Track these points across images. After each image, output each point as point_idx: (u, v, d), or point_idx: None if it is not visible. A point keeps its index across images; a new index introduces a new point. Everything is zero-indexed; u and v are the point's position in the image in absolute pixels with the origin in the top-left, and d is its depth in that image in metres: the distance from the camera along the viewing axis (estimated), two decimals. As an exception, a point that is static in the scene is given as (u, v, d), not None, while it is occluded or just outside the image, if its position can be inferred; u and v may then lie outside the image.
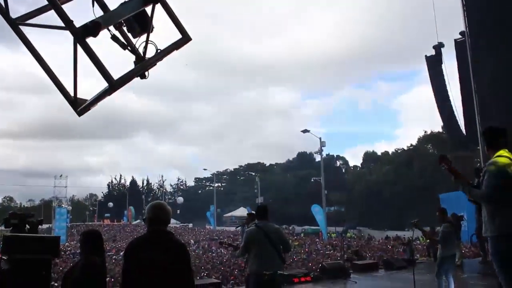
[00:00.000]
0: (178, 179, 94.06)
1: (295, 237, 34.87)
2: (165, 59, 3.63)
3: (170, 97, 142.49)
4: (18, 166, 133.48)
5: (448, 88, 20.11)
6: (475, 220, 16.54)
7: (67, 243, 35.74)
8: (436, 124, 57.71)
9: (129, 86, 3.48)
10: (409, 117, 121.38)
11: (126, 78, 3.38)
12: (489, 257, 12.99)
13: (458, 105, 18.60)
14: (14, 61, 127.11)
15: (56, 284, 14.27)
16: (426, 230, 8.88)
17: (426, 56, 21.39)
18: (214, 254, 24.10)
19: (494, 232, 3.83)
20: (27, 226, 4.91)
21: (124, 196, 79.86)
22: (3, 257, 4.75)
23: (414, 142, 58.86)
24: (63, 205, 58.12)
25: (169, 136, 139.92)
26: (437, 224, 8.41)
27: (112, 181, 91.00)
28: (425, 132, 57.05)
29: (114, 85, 3.26)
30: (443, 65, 20.85)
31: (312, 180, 40.37)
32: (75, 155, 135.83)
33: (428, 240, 17.71)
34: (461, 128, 19.09)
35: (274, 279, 5.70)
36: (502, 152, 3.96)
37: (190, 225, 62.24)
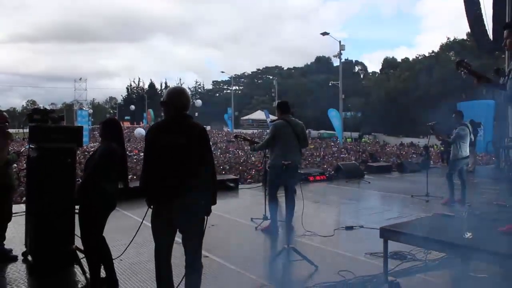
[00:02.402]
0: (196, 82, 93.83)
1: (311, 141, 35.25)
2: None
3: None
4: (38, 70, 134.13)
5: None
6: (492, 128, 16.58)
7: (90, 144, 36.65)
8: (460, 31, 55.56)
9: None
10: (433, 23, 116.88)
11: None
12: (502, 164, 13.21)
13: (488, 10, 17.76)
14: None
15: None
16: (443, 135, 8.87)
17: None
18: (231, 155, 24.64)
19: None
20: (50, 122, 5.02)
21: (143, 99, 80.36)
22: (31, 145, 4.94)
23: (436, 49, 57.15)
24: (84, 108, 58.98)
25: (186, 38, 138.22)
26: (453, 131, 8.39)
27: (131, 85, 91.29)
28: (448, 39, 55.06)
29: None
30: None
31: (330, 84, 39.86)
32: (93, 58, 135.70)
33: (442, 148, 17.87)
34: (489, 33, 18.35)
35: (296, 168, 5.93)
36: None
37: (208, 127, 62.72)
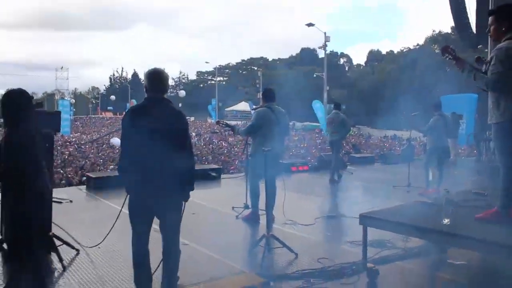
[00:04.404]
0: (180, 73, 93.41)
1: (295, 132, 35.35)
2: None
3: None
4: (17, 58, 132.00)
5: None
6: (473, 121, 16.78)
7: (71, 135, 36.32)
8: (445, 24, 56.22)
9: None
10: (418, 15, 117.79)
11: None
12: (483, 156, 13.39)
13: (472, 3, 17.91)
14: None
15: (62, 171, 14.79)
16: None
17: None
18: (214, 146, 24.61)
19: (499, 118, 3.69)
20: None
21: (126, 89, 79.71)
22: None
23: (421, 42, 57.69)
24: (65, 98, 58.21)
25: (170, 28, 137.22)
26: None
27: (114, 74, 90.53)
28: (434, 31, 55.61)
29: None
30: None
31: (315, 75, 39.97)
32: (75, 47, 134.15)
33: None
34: (472, 26, 18.54)
35: (277, 156, 5.93)
36: None
37: (192, 118, 62.67)
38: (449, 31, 47.68)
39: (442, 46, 4.15)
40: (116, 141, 22.18)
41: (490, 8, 14.35)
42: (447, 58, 3.95)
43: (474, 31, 18.01)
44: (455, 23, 20.00)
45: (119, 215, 4.06)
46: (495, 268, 4.02)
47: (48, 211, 4.65)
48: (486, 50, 15.40)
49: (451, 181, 9.02)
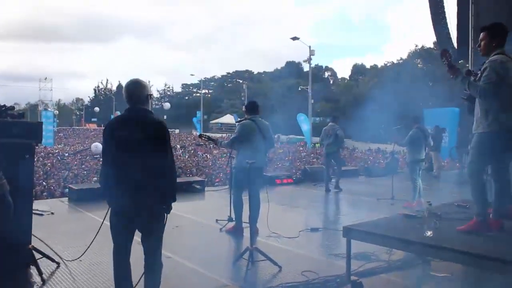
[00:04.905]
0: (165, 85, 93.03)
1: (279, 145, 35.38)
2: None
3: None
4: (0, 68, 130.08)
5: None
6: (456, 134, 17.01)
7: (54, 146, 35.89)
8: (428, 40, 57.16)
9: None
10: (402, 30, 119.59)
11: None
12: (465, 168, 13.53)
13: (453, 19, 18.26)
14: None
15: (45, 183, 14.60)
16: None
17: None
18: (199, 159, 24.51)
19: (486, 128, 3.79)
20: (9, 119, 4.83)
21: (110, 100, 79.12)
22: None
23: (405, 56, 58.42)
24: (49, 109, 57.54)
25: (156, 40, 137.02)
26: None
27: (98, 86, 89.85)
28: (416, 46, 56.40)
29: None
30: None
31: (300, 88, 40.18)
32: (60, 58, 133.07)
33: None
34: (453, 42, 18.88)
35: (261, 169, 5.93)
36: (503, 50, 3.82)
37: (177, 131, 62.44)
38: (432, 46, 48.42)
39: (441, 49, 4.27)
40: (96, 146, 21.99)
41: (470, 24, 14.67)
42: (444, 63, 4.05)
43: (455, 46, 18.37)
44: (436, 38, 20.38)
45: (100, 227, 3.99)
46: (477, 279, 4.04)
47: (28, 222, 4.57)
48: (467, 65, 15.68)
49: (434, 194, 9.11)
